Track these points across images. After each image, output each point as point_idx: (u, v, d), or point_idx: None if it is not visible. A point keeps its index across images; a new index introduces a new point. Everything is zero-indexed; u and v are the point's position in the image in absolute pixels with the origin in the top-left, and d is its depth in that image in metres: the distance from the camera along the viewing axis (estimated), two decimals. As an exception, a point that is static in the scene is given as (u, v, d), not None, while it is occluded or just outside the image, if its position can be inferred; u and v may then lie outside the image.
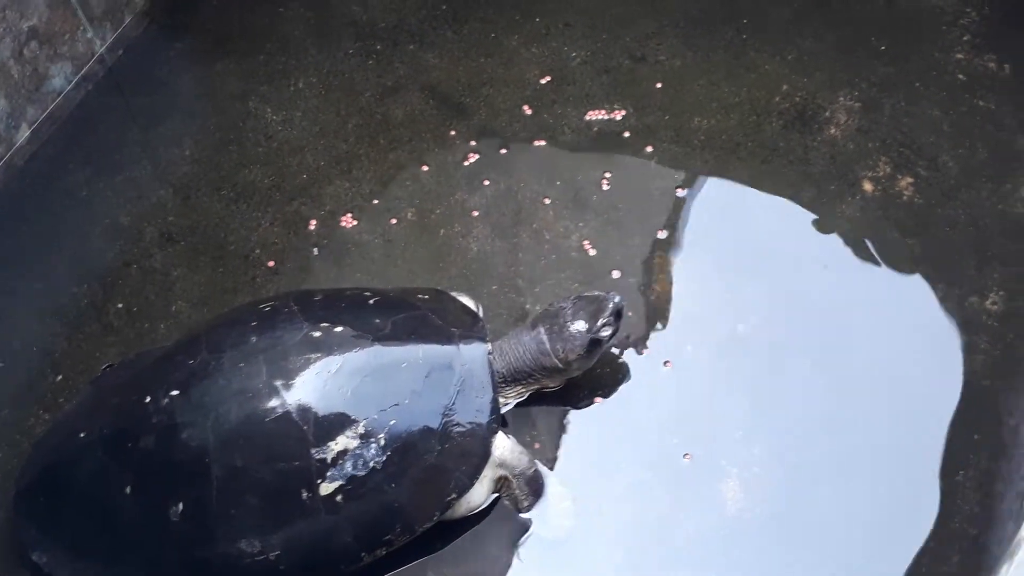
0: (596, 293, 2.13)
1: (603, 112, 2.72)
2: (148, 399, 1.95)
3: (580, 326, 2.07)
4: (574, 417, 2.21)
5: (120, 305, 2.46)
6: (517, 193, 2.59)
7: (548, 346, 2.08)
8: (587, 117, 2.71)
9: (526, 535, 2.06)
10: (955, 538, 2.00)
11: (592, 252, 2.45)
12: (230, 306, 2.38)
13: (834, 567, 2.00)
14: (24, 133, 2.72)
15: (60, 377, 2.34)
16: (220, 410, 1.89)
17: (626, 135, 2.66)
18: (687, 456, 2.13)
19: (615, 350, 2.27)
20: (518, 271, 2.45)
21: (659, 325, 2.33)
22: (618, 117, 2.70)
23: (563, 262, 2.45)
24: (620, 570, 2.02)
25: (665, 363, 2.25)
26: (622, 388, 2.24)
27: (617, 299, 2.11)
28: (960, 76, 2.71)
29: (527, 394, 2.17)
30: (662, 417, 2.19)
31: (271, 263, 2.50)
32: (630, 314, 2.32)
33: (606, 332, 2.09)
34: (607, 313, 2.09)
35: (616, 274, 2.41)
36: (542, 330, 2.10)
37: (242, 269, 2.50)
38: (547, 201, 2.56)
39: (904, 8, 2.89)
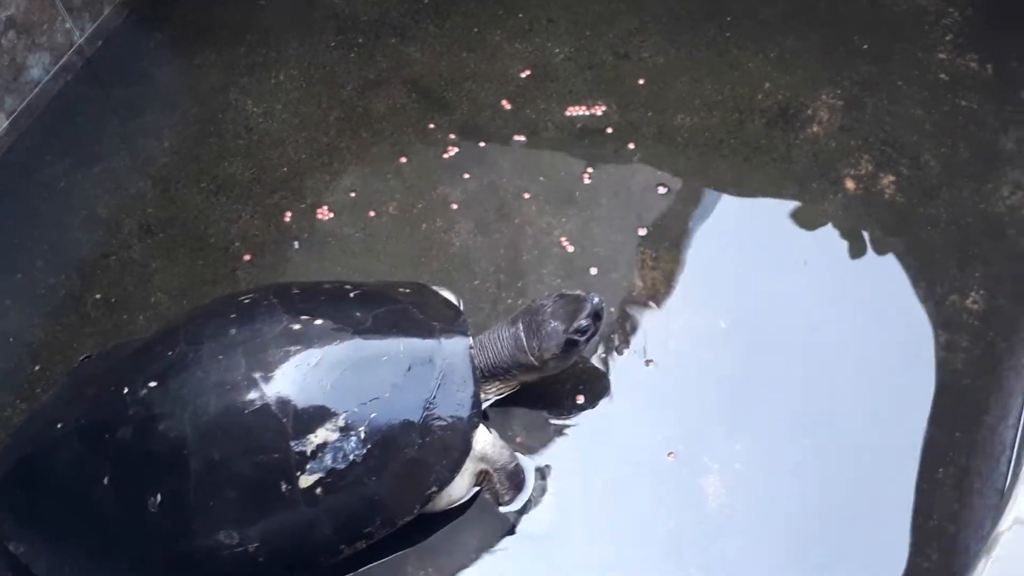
0: (577, 293, 2.10)
1: (584, 108, 2.71)
2: (126, 390, 1.93)
3: (557, 326, 2.05)
4: (556, 413, 2.20)
5: (98, 296, 2.43)
6: (499, 188, 2.58)
7: (524, 343, 2.07)
8: (568, 113, 2.71)
9: (507, 529, 2.05)
10: (934, 535, 2.00)
11: (573, 248, 2.45)
12: (209, 298, 2.36)
13: (814, 562, 2.00)
14: (2, 124, 2.70)
15: (37, 367, 2.32)
16: (198, 402, 1.87)
17: (609, 131, 2.66)
18: (670, 454, 2.12)
19: (599, 348, 2.26)
20: (500, 266, 2.44)
21: (641, 322, 2.33)
22: (599, 112, 2.70)
23: (545, 258, 2.44)
24: (600, 564, 2.02)
25: (648, 362, 2.25)
26: (604, 384, 2.23)
27: (596, 300, 2.08)
28: (942, 76, 2.72)
29: (508, 390, 2.16)
30: (643, 413, 2.19)
31: (250, 256, 2.48)
32: (612, 310, 2.33)
33: (582, 334, 2.06)
34: (584, 314, 2.05)
35: (597, 270, 2.41)
36: (520, 326, 2.09)
37: (221, 261, 2.48)
38: (529, 197, 2.56)
39: (887, 8, 2.90)
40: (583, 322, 2.05)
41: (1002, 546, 1.61)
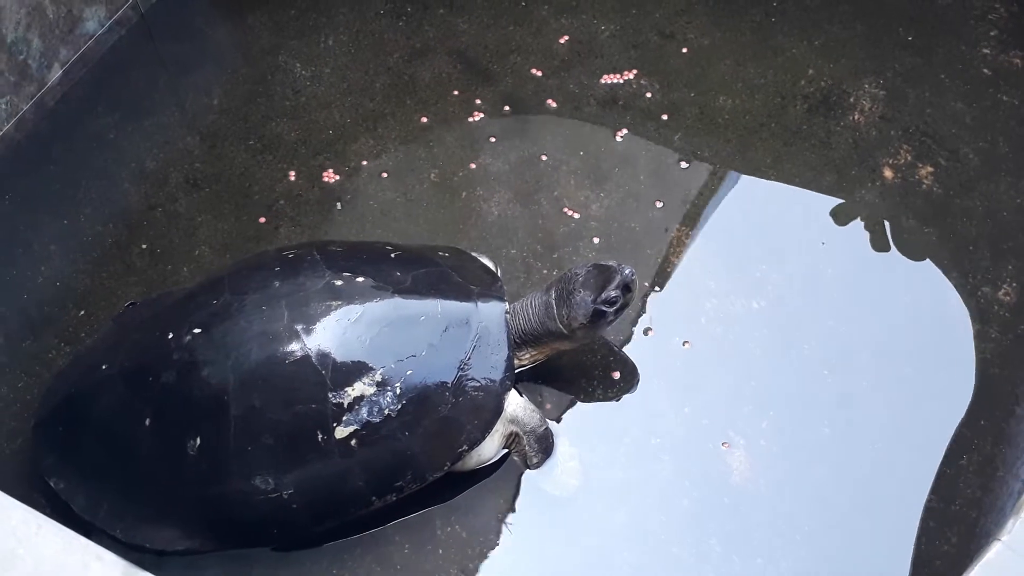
0: (610, 263, 2.10)
1: (617, 76, 2.75)
2: (170, 336, 1.98)
3: (586, 295, 2.06)
4: (585, 383, 2.24)
5: (144, 246, 2.49)
6: (539, 161, 2.62)
7: (555, 311, 2.09)
8: (603, 81, 2.75)
9: (532, 492, 2.09)
10: (955, 520, 2.04)
11: (610, 223, 2.48)
12: (252, 254, 2.41)
13: (835, 540, 2.03)
14: (56, 73, 2.75)
15: (82, 312, 2.38)
16: (241, 350, 1.92)
17: (651, 110, 2.69)
18: (724, 444, 2.15)
19: (636, 325, 2.29)
20: (537, 237, 2.48)
21: (675, 300, 2.36)
22: (630, 76, 2.74)
23: (581, 230, 2.48)
24: (622, 531, 2.06)
25: (684, 343, 2.28)
26: (634, 358, 2.27)
27: (627, 272, 2.07)
28: (985, 71, 2.73)
29: (541, 358, 2.19)
30: (672, 388, 2.23)
31: (294, 214, 2.53)
32: (646, 285, 2.36)
33: (611, 304, 2.06)
34: (614, 285, 2.05)
35: (632, 246, 2.44)
36: (553, 294, 2.11)
37: (266, 218, 2.53)
38: (568, 170, 2.59)
39: (934, 1, 2.91)
40: (612, 293, 2.05)
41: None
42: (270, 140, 2.68)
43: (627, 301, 2.10)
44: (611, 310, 2.07)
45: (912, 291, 2.36)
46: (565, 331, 2.10)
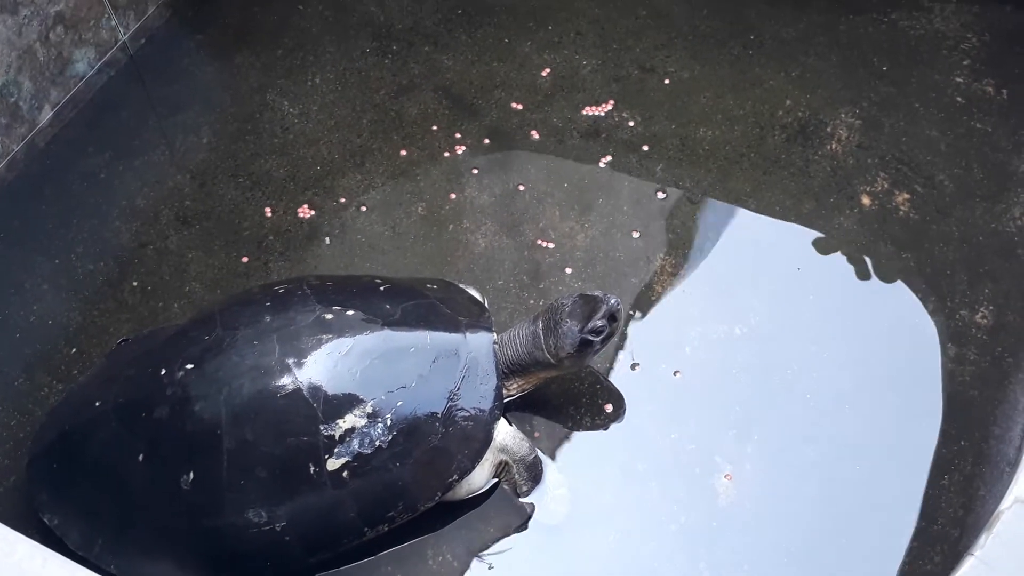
0: (595, 294, 2.14)
1: (598, 108, 2.82)
2: (163, 371, 2.01)
3: (572, 325, 2.09)
4: (573, 411, 2.27)
5: (135, 283, 2.52)
6: (525, 193, 2.67)
7: (542, 340, 2.12)
8: (583, 112, 2.82)
9: (522, 520, 2.12)
10: (938, 539, 2.07)
11: (595, 253, 2.53)
12: (242, 289, 2.45)
13: (821, 561, 2.06)
14: (47, 115, 2.79)
15: (74, 350, 2.40)
16: (233, 384, 1.95)
17: (633, 142, 2.74)
18: (682, 451, 2.19)
19: (617, 350, 2.34)
20: (523, 267, 2.52)
21: (659, 326, 2.40)
22: (611, 108, 2.82)
23: (566, 261, 2.52)
24: (612, 556, 2.09)
25: (675, 373, 2.32)
26: (620, 385, 2.31)
27: (613, 301, 2.11)
28: (959, 99, 2.80)
29: (529, 387, 2.23)
30: (658, 413, 2.26)
31: (283, 250, 2.57)
32: (631, 312, 2.40)
33: (597, 334, 2.10)
34: (600, 315, 2.09)
35: (617, 275, 2.49)
36: (540, 324, 2.15)
37: (255, 254, 2.56)
38: (553, 201, 2.64)
39: (906, 32, 2.98)
40: (598, 323, 2.09)
41: (1003, 523, 1.67)
42: (259, 177, 2.72)
43: (613, 331, 2.14)
44: (598, 339, 2.11)
45: (891, 315, 2.41)
46: (552, 360, 2.13)
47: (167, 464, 1.95)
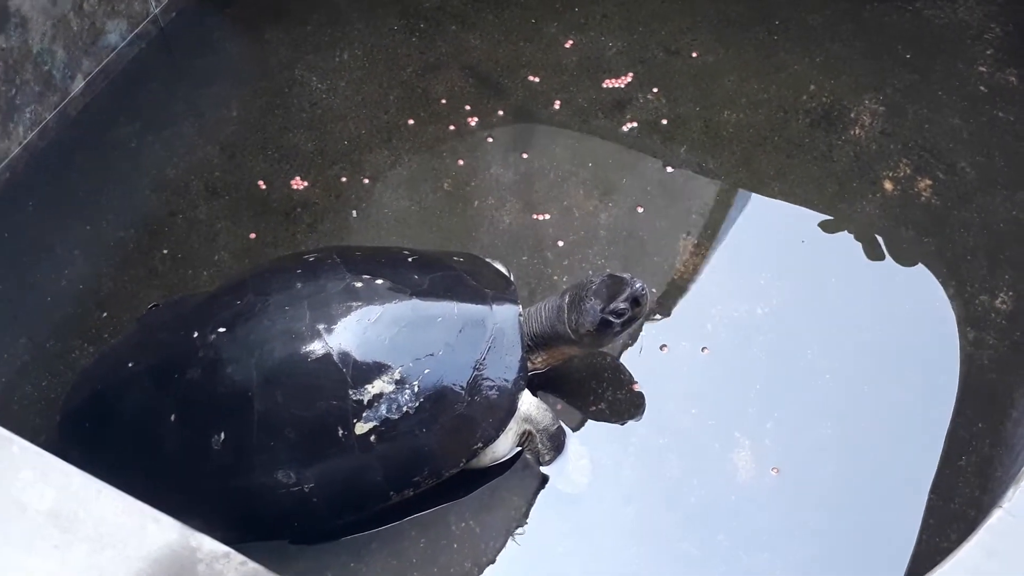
0: (624, 276, 2.14)
1: (613, 81, 2.86)
2: (196, 334, 2.05)
3: (595, 304, 2.11)
4: (596, 384, 2.31)
5: (165, 251, 2.56)
6: (549, 171, 2.70)
7: (565, 315, 2.15)
8: (604, 85, 2.86)
9: (544, 489, 2.15)
10: (955, 518, 2.10)
11: (618, 232, 2.56)
12: (272, 258, 2.48)
13: (837, 537, 2.10)
14: (79, 84, 2.82)
15: (105, 314, 2.44)
16: (264, 348, 1.99)
17: (658, 123, 2.77)
18: (703, 427, 2.22)
19: (641, 327, 2.36)
20: (546, 244, 2.55)
21: (681, 304, 2.43)
22: (633, 83, 2.86)
23: (591, 239, 2.55)
24: (631, 528, 2.12)
25: (703, 349, 2.35)
26: (643, 361, 2.34)
27: (638, 286, 2.12)
28: (982, 88, 2.82)
29: (553, 362, 2.26)
30: (679, 388, 2.29)
31: (310, 222, 2.60)
32: (653, 290, 2.43)
33: (618, 316, 2.11)
34: (623, 297, 2.10)
35: (640, 254, 2.52)
36: (566, 299, 2.17)
37: (283, 226, 2.60)
38: (577, 180, 2.67)
39: (931, 21, 3.00)
40: (621, 305, 2.10)
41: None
42: (287, 150, 2.76)
43: (635, 315, 2.14)
44: (617, 321, 2.12)
45: (911, 299, 2.44)
46: (573, 336, 2.15)
47: (198, 424, 1.99)
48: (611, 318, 2.11)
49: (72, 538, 1.56)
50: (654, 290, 2.44)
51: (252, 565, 1.55)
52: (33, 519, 1.58)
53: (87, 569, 1.53)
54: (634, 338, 2.36)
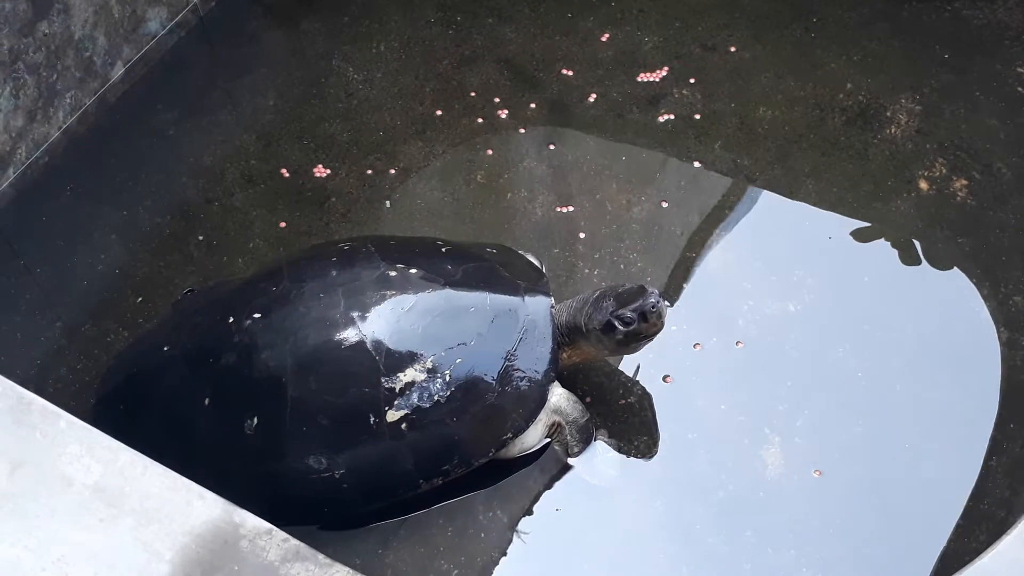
0: (650, 289, 2.09)
1: (648, 75, 2.86)
2: (231, 320, 2.07)
3: (608, 305, 2.10)
4: (626, 378, 2.31)
5: (201, 238, 2.58)
6: (583, 165, 2.70)
7: (584, 307, 2.15)
8: (639, 79, 2.86)
9: (572, 481, 2.16)
10: (984, 518, 2.09)
11: (652, 226, 2.56)
12: (307, 247, 2.50)
13: (865, 535, 2.09)
14: (119, 71, 2.86)
15: (140, 299, 2.47)
16: (299, 335, 2.01)
17: (693, 118, 2.77)
18: (732, 422, 2.22)
19: (672, 322, 2.35)
20: (579, 238, 2.55)
21: (713, 299, 2.43)
22: (669, 78, 2.86)
23: (623, 233, 2.56)
24: (659, 520, 2.12)
25: (738, 343, 2.34)
26: (673, 355, 2.34)
27: (651, 300, 2.06)
28: (1020, 89, 2.80)
29: (577, 359, 2.24)
30: (709, 383, 2.29)
31: (345, 211, 2.62)
32: (684, 285, 2.43)
33: (623, 323, 2.07)
34: (633, 307, 2.06)
35: (672, 248, 2.52)
36: (595, 295, 2.17)
37: (317, 215, 2.62)
38: (610, 174, 2.67)
39: (969, 21, 2.98)
40: (628, 314, 2.07)
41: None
42: (323, 140, 2.78)
43: (641, 330, 2.09)
44: (621, 327, 2.07)
45: (945, 299, 2.43)
46: (583, 329, 2.14)
47: (232, 408, 2.02)
48: (616, 323, 2.08)
49: (118, 512, 1.59)
50: (685, 284, 2.43)
51: (294, 542, 1.58)
52: (80, 493, 1.61)
53: (132, 543, 1.56)
54: (666, 334, 2.35)
